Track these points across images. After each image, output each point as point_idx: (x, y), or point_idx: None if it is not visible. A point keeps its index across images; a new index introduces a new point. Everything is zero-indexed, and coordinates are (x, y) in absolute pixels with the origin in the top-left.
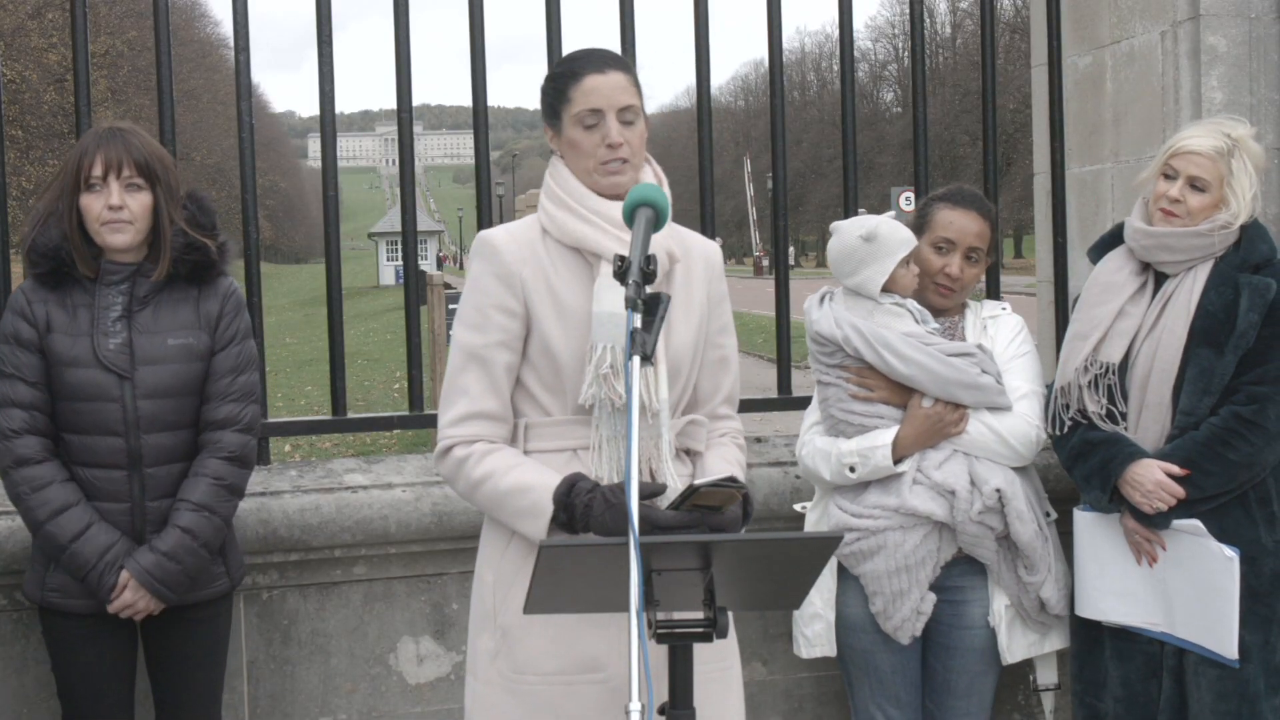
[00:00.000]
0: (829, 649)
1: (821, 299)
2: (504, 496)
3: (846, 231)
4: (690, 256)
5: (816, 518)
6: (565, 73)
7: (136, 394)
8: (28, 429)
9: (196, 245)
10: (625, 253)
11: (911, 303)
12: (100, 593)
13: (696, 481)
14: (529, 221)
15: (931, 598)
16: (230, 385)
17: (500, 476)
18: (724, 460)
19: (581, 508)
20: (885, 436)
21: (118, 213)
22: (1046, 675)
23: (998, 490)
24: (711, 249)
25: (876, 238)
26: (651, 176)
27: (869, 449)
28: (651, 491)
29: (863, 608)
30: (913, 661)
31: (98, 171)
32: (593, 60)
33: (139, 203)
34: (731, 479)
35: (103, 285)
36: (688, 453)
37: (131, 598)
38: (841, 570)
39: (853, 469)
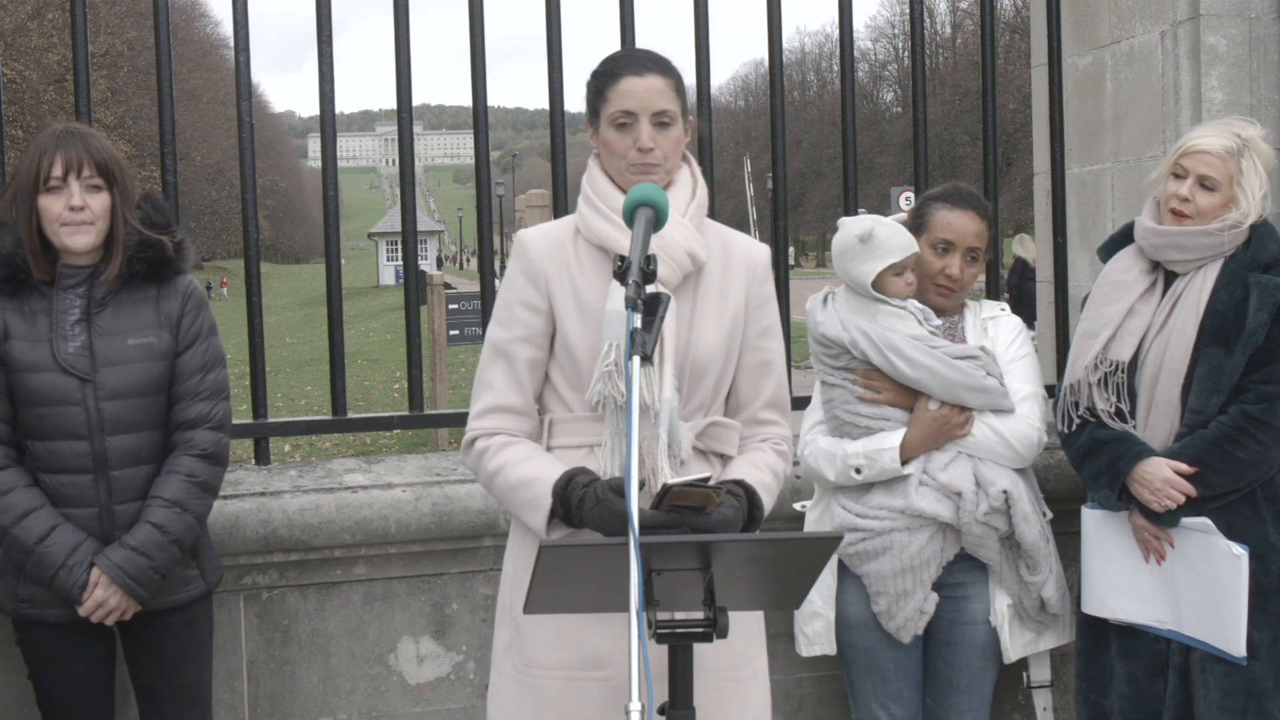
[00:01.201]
0: (828, 647)
1: (824, 300)
2: (512, 489)
3: (847, 228)
4: (730, 257)
5: (817, 517)
6: (605, 72)
7: (99, 396)
8: None
9: (151, 243)
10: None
11: (914, 304)
12: (71, 593)
13: (669, 480)
14: (566, 220)
15: (934, 598)
16: (199, 384)
17: (511, 469)
18: (752, 465)
19: (576, 501)
20: (892, 439)
21: (79, 213)
22: (1040, 673)
23: (1004, 492)
24: (756, 252)
25: (872, 239)
26: (688, 178)
27: (876, 451)
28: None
29: (864, 606)
30: (914, 659)
31: (58, 172)
32: (633, 62)
33: (99, 203)
34: (706, 479)
35: (59, 289)
36: (721, 457)
37: (103, 595)
38: (842, 568)
39: (859, 470)
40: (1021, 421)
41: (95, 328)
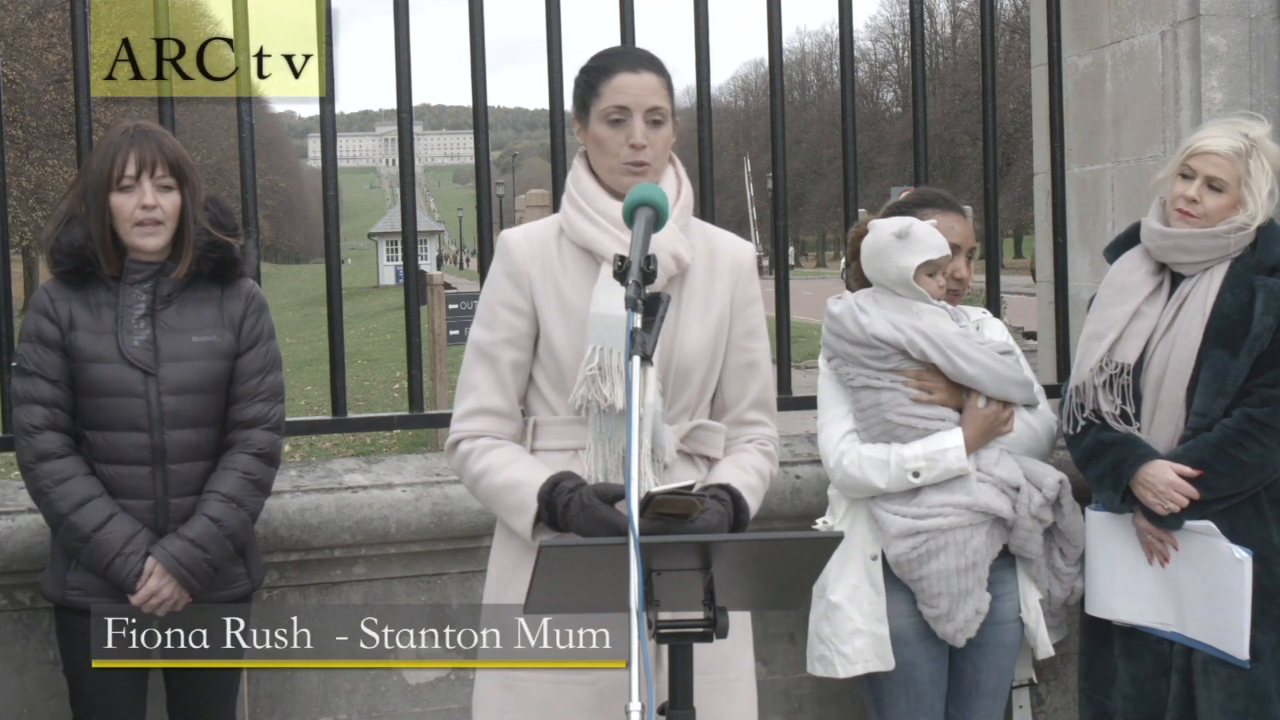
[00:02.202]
0: (877, 662)
1: (855, 305)
2: (497, 492)
3: (881, 228)
4: (716, 258)
5: (848, 528)
6: (598, 67)
7: (161, 390)
8: (49, 425)
9: (220, 244)
10: (625, 254)
11: (945, 304)
12: (125, 582)
13: (652, 489)
14: (549, 220)
15: (988, 597)
16: (259, 385)
17: (496, 472)
18: (737, 468)
19: (561, 507)
20: (953, 438)
21: (151, 212)
22: (1024, 671)
23: (1060, 482)
24: (743, 251)
25: (910, 234)
26: (673, 178)
27: (938, 452)
28: (617, 495)
29: (908, 619)
30: (944, 670)
31: (131, 171)
32: (627, 58)
33: (171, 202)
34: (689, 486)
35: (126, 283)
36: (706, 459)
37: (157, 584)
38: (888, 584)
39: (916, 474)
40: (1047, 415)
41: (160, 323)
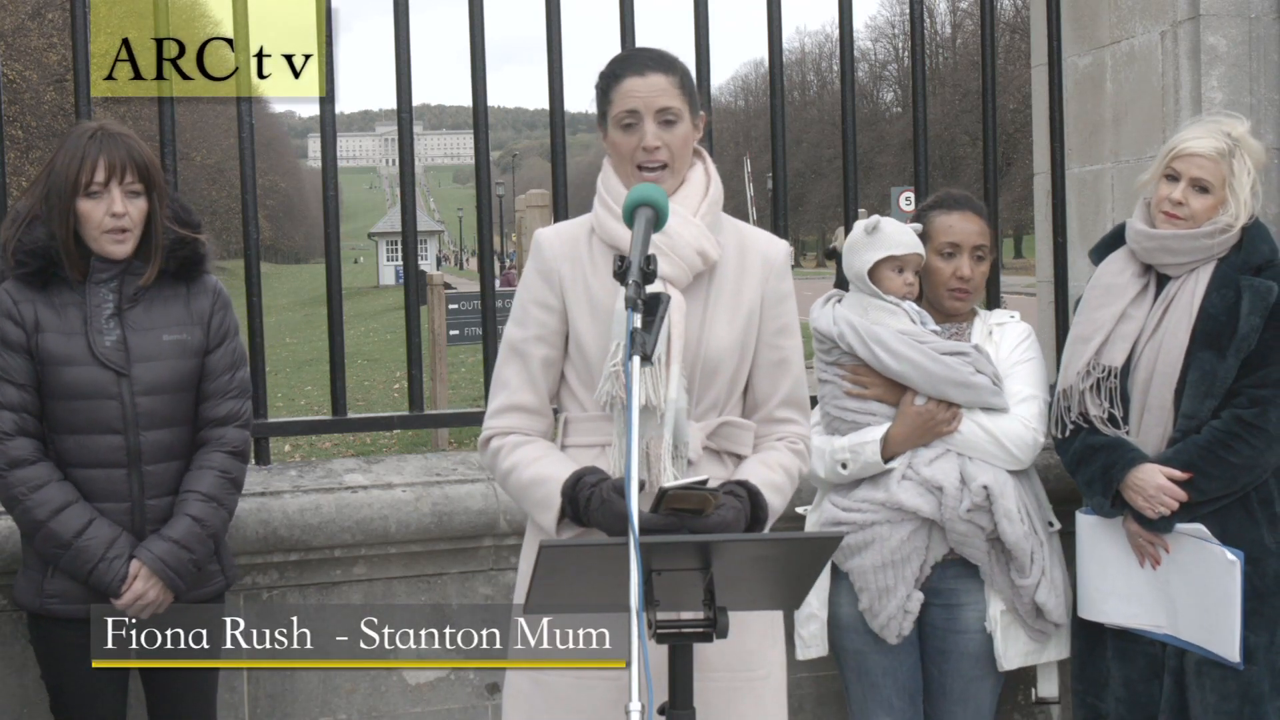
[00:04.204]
0: (824, 649)
1: (826, 300)
2: (525, 488)
3: (857, 224)
4: (746, 254)
5: (816, 519)
6: (609, 74)
7: (134, 391)
8: (19, 431)
9: (185, 240)
10: (648, 252)
11: (908, 303)
12: (110, 586)
13: (665, 484)
14: (582, 219)
15: (919, 596)
16: (229, 383)
17: (524, 469)
18: (762, 465)
19: (584, 502)
20: (875, 433)
21: (120, 220)
22: (1047, 688)
23: (985, 487)
24: (774, 248)
25: (877, 230)
26: (701, 175)
27: (859, 445)
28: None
29: (855, 606)
30: (904, 665)
31: (100, 177)
32: (634, 62)
33: (139, 209)
34: (703, 481)
35: (92, 284)
36: (735, 457)
37: (143, 587)
38: (834, 570)
39: (844, 465)
40: (1015, 421)
41: (128, 323)
